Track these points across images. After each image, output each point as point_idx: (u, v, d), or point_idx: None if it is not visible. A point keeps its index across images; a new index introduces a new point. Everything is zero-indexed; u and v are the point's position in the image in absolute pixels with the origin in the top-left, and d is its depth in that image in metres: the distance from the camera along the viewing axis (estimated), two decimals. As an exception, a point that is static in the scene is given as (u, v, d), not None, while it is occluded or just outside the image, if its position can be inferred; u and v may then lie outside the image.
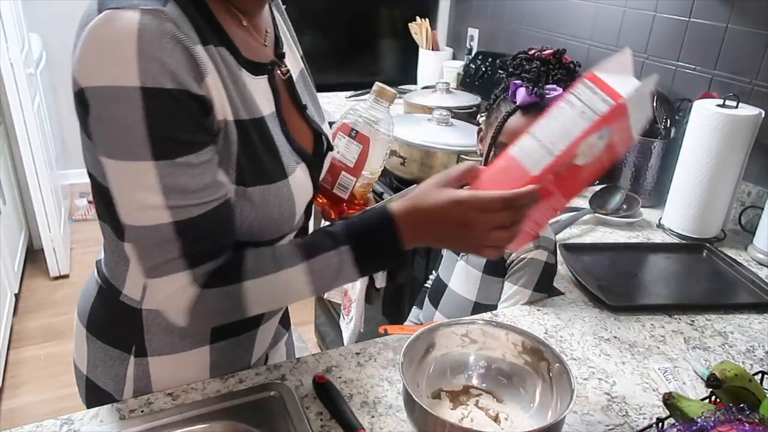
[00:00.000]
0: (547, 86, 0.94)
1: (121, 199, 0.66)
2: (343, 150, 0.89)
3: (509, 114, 0.97)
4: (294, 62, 0.86)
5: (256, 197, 0.71)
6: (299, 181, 0.77)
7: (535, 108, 0.95)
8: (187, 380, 0.83)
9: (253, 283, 0.70)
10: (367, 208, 0.92)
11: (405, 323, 1.30)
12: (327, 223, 0.89)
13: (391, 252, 0.72)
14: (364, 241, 0.71)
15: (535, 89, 0.94)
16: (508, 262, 1.03)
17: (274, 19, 0.84)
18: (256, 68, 0.73)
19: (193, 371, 0.83)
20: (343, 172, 0.89)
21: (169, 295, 0.68)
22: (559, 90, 0.94)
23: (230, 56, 0.69)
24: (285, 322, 1.05)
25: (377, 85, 0.91)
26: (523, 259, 1.02)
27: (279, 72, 0.80)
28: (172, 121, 0.62)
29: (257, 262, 0.71)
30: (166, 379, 0.82)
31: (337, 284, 0.73)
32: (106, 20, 0.59)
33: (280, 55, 0.81)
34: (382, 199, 1.60)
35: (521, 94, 0.95)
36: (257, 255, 0.72)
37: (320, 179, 0.89)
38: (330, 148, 0.87)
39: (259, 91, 0.73)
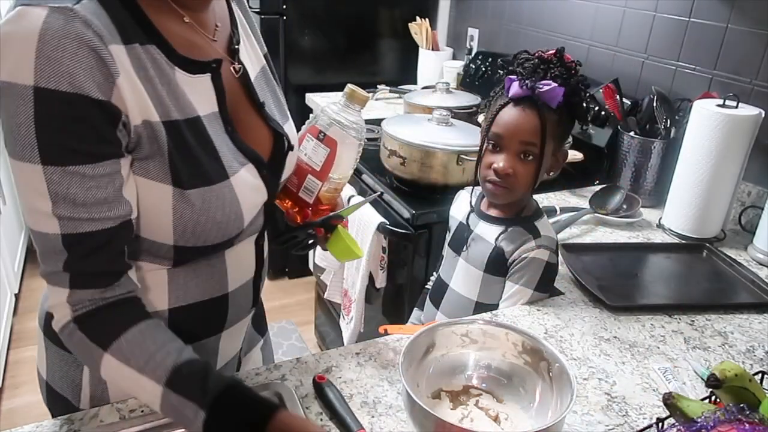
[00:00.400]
0: (542, 81, 0.94)
1: (20, 198, 0.65)
2: (311, 153, 0.86)
3: (502, 106, 0.98)
4: (255, 59, 0.84)
5: (196, 199, 0.69)
6: (245, 181, 0.75)
7: (527, 100, 0.96)
8: None
9: (111, 360, 0.66)
10: (331, 214, 0.88)
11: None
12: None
13: None
14: (224, 423, 0.65)
15: (527, 82, 0.95)
16: (509, 261, 1.03)
17: (232, 13, 0.81)
18: (194, 67, 0.71)
19: None
20: (309, 176, 0.86)
21: (52, 306, 0.67)
22: (554, 85, 0.94)
23: (161, 54, 0.67)
24: (260, 328, 1.02)
25: (349, 87, 0.87)
26: (525, 258, 1.01)
27: (232, 69, 0.77)
28: (64, 127, 0.60)
29: (132, 346, 0.66)
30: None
31: (184, 427, 0.67)
32: (16, 16, 0.58)
33: (233, 51, 0.78)
34: (373, 192, 1.60)
35: (514, 88, 0.96)
36: (140, 338, 0.67)
37: (285, 181, 0.87)
38: (290, 147, 0.84)
39: (198, 90, 0.71)
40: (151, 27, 0.67)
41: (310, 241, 0.95)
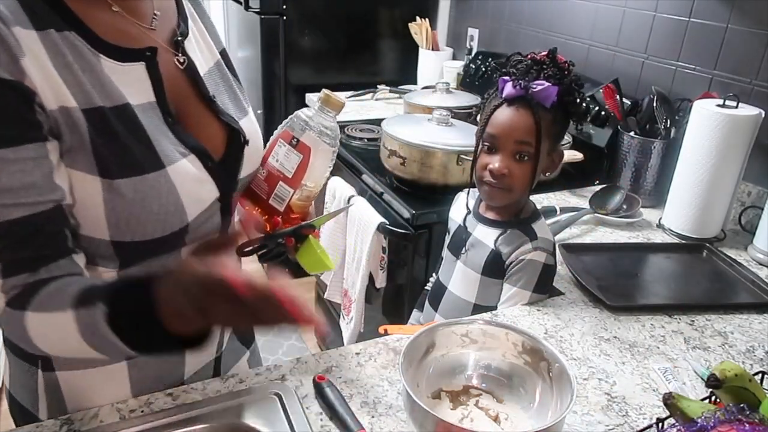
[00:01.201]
0: (535, 81, 0.94)
1: None
2: (283, 159, 0.82)
3: (496, 107, 0.99)
4: (208, 54, 0.83)
5: (127, 190, 0.67)
6: (185, 172, 0.72)
7: (521, 100, 0.96)
8: (107, 398, 0.78)
9: (33, 318, 0.63)
10: (303, 223, 0.84)
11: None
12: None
13: (147, 318, 0.60)
14: (118, 298, 0.63)
15: (521, 82, 0.95)
16: (506, 263, 1.03)
17: (180, 6, 0.80)
18: (124, 54, 0.69)
19: (111, 388, 0.79)
20: (280, 182, 0.83)
21: None
22: (547, 84, 0.94)
23: (81, 41, 0.66)
24: (245, 339, 0.99)
25: (324, 92, 0.84)
26: (522, 260, 1.01)
27: (176, 61, 0.76)
28: None
29: (51, 296, 0.64)
30: (80, 395, 0.78)
31: (104, 346, 0.64)
32: None
33: (175, 43, 0.77)
34: (373, 191, 1.60)
35: (508, 88, 0.96)
36: (60, 287, 0.64)
37: (250, 182, 0.84)
38: (246, 142, 0.82)
39: (130, 79, 0.69)
40: (70, 13, 0.65)
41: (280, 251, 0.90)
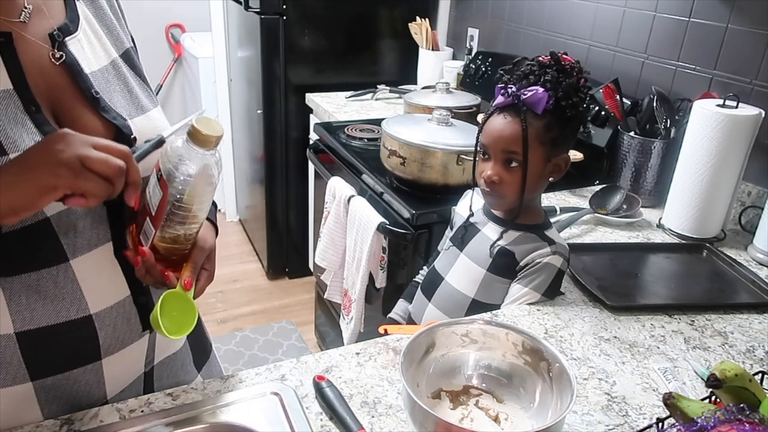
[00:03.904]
0: (529, 88, 0.95)
1: None
2: (151, 191, 0.71)
3: (489, 115, 1.00)
4: (101, 52, 0.80)
5: None
6: None
7: (511, 108, 0.96)
8: (17, 420, 0.75)
9: None
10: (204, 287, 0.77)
11: (389, 315, 1.29)
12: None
13: None
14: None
15: (509, 89, 0.95)
16: (521, 264, 1.03)
17: (69, 4, 0.77)
18: None
19: (18, 409, 0.76)
20: (147, 219, 0.72)
21: None
22: (536, 90, 0.94)
23: None
24: (199, 358, 0.96)
25: (193, 124, 0.68)
26: (539, 263, 1.02)
27: (51, 55, 0.73)
28: None
29: None
30: None
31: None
32: None
33: (53, 36, 0.74)
34: (372, 191, 1.59)
35: (499, 97, 0.98)
36: None
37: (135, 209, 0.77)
38: (134, 139, 0.77)
39: None
40: None
41: None
